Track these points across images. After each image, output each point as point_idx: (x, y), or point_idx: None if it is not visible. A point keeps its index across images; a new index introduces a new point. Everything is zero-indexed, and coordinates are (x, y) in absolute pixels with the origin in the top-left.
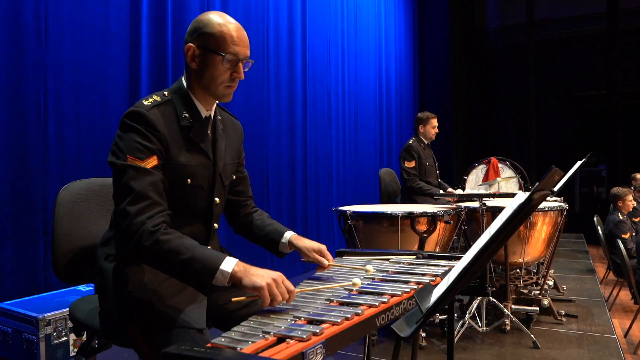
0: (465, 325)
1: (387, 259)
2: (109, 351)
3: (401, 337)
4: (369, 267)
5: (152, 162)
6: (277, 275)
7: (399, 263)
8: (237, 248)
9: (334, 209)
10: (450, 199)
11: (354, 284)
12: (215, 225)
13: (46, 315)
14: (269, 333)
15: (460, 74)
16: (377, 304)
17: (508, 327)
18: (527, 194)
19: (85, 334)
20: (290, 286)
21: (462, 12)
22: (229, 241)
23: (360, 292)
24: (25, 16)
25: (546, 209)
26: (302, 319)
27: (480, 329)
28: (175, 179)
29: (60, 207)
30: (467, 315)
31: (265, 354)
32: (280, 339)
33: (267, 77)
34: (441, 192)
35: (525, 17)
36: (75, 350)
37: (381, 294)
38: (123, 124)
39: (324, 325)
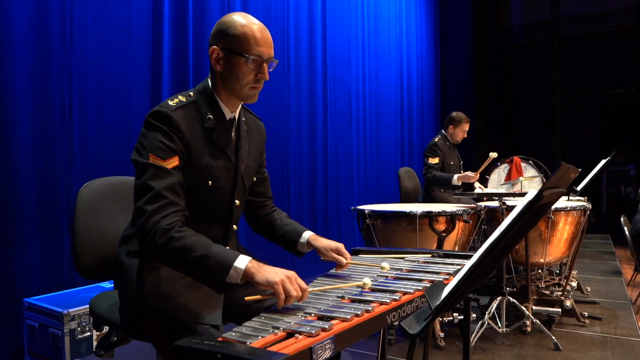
0: (485, 326)
1: (403, 258)
2: (128, 345)
3: (410, 334)
4: (385, 264)
5: (173, 162)
6: (290, 273)
7: (414, 261)
8: (257, 247)
9: (353, 207)
10: (487, 198)
11: (364, 284)
12: (234, 226)
13: (70, 310)
14: (278, 328)
15: (483, 72)
16: (388, 301)
17: (529, 329)
18: (536, 190)
19: (104, 329)
20: (303, 284)
21: (484, 9)
22: (250, 240)
23: (373, 290)
24: (51, 20)
25: (568, 208)
26: (313, 315)
27: (500, 330)
28: (196, 180)
29: (81, 204)
30: (486, 316)
31: (273, 348)
32: (290, 334)
33: (287, 76)
34: (477, 177)
35: (550, 13)
36: None
37: (393, 292)
38: (147, 122)
39: (333, 322)
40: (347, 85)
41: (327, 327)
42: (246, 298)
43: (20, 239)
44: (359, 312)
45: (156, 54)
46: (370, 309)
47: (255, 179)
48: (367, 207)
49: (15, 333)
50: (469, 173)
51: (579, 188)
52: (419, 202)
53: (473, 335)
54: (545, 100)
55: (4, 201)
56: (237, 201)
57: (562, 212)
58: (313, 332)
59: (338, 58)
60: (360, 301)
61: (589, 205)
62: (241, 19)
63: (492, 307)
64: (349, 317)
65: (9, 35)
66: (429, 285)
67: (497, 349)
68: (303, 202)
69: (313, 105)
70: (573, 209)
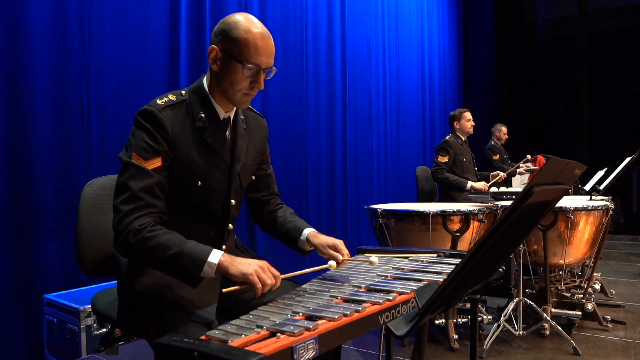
0: (501, 328)
1: (407, 257)
2: (135, 343)
3: (396, 335)
4: (373, 258)
5: (155, 163)
6: (263, 262)
7: (418, 261)
8: (277, 248)
9: (366, 207)
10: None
11: (330, 266)
12: (230, 226)
13: (87, 307)
14: (262, 327)
15: (508, 70)
16: (381, 301)
17: (547, 332)
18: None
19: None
20: (276, 272)
21: (509, 5)
22: (269, 240)
23: (369, 290)
24: (70, 22)
25: (589, 208)
26: (300, 314)
27: (517, 333)
28: (185, 180)
29: (84, 202)
30: (502, 318)
31: (253, 347)
32: (273, 333)
33: (305, 75)
34: (479, 182)
35: (577, 7)
36: None
37: (389, 292)
38: (136, 120)
39: (319, 321)
40: (367, 84)
41: (311, 326)
42: (223, 290)
43: (40, 236)
44: (348, 312)
45: (173, 54)
46: (360, 309)
47: (254, 177)
48: (380, 206)
49: (36, 328)
50: (482, 184)
51: (601, 187)
52: (436, 202)
53: (488, 337)
54: (572, 98)
55: (24, 199)
56: (232, 201)
57: (582, 212)
58: (295, 331)
59: (358, 56)
60: (353, 301)
61: (612, 205)
62: (245, 23)
63: (508, 309)
64: (336, 317)
65: (29, 38)
66: None
67: (513, 352)
68: (322, 202)
69: (332, 104)
70: (594, 208)
